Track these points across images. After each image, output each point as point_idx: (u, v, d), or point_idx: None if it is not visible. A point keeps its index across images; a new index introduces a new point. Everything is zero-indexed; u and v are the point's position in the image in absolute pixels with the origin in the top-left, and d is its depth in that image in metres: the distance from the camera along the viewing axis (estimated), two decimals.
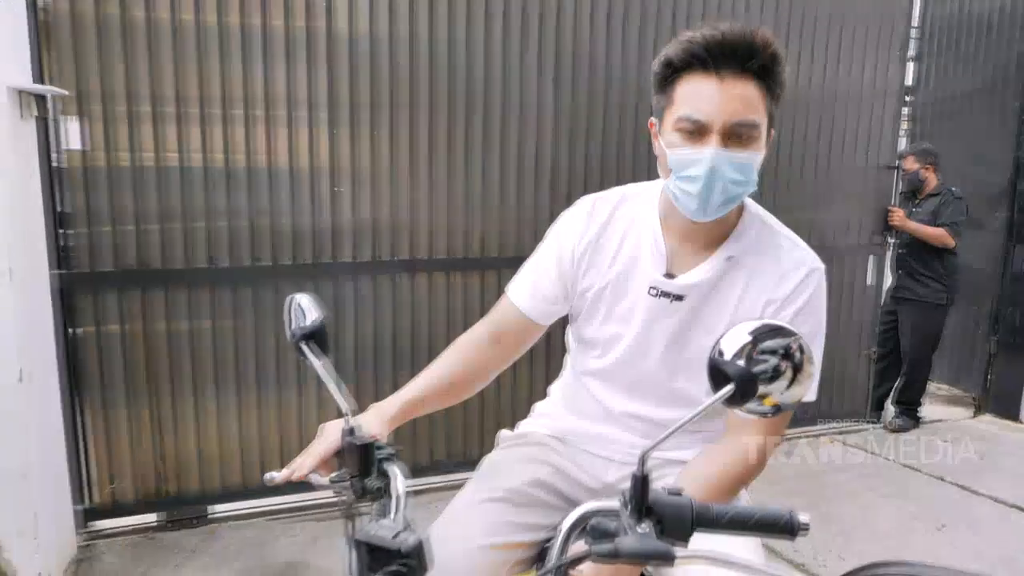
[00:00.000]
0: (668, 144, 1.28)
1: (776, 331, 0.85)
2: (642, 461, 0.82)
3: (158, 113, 3.04)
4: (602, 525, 0.83)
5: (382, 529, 0.82)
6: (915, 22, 4.70)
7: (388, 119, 3.38)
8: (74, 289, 3.02)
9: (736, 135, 1.23)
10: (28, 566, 2.61)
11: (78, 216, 2.99)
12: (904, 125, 4.90)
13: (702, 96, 1.22)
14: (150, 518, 3.30)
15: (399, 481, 1.05)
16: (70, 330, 3.04)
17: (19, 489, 2.56)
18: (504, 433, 1.62)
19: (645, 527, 0.80)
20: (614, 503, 0.86)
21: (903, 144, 5.06)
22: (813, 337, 1.35)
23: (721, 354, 0.85)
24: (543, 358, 3.54)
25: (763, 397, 0.84)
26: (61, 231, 2.98)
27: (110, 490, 3.20)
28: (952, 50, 5.51)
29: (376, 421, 1.28)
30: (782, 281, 1.34)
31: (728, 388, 0.84)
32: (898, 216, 4.53)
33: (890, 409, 4.86)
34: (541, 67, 3.60)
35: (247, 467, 3.38)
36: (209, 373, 3.27)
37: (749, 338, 0.84)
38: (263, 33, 3.14)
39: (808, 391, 0.88)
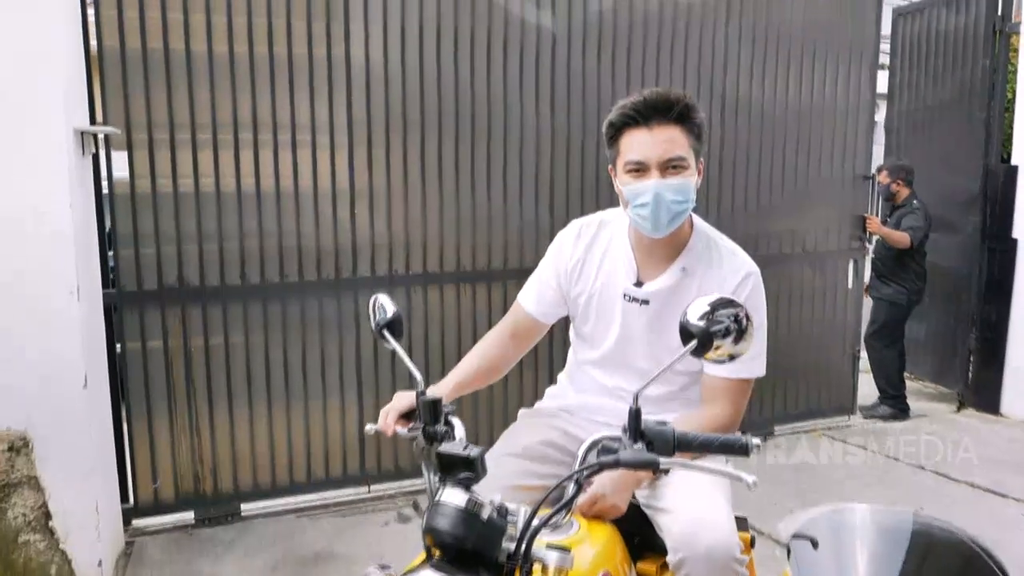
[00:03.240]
0: (622, 183, 1.67)
1: (728, 303, 1.20)
2: (635, 398, 1.14)
3: (196, 141, 3.35)
4: (608, 445, 1.17)
5: (454, 447, 1.14)
6: (886, 40, 5.03)
7: (401, 142, 3.70)
8: (122, 305, 3.33)
9: (670, 168, 1.62)
10: (89, 555, 2.90)
11: (124, 239, 3.31)
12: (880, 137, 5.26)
13: (640, 143, 1.62)
14: (188, 516, 3.57)
15: (459, 427, 1.40)
16: (117, 344, 3.35)
17: (84, 485, 2.85)
18: (523, 410, 1.99)
19: (639, 446, 1.12)
20: (618, 432, 1.18)
21: (880, 154, 5.42)
22: (760, 326, 1.70)
23: (687, 318, 1.19)
24: (547, 359, 3.84)
25: (718, 348, 1.17)
26: (111, 254, 3.31)
27: (152, 490, 3.49)
28: (922, 65, 5.86)
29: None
30: (724, 284, 1.70)
31: (693, 342, 1.18)
32: (873, 223, 4.91)
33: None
34: (538, 93, 3.93)
35: (277, 468, 3.67)
36: (241, 382, 3.56)
37: (708, 307, 1.19)
38: (288, 62, 3.45)
39: (749, 347, 1.21)
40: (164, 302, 3.39)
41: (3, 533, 2.77)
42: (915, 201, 5.13)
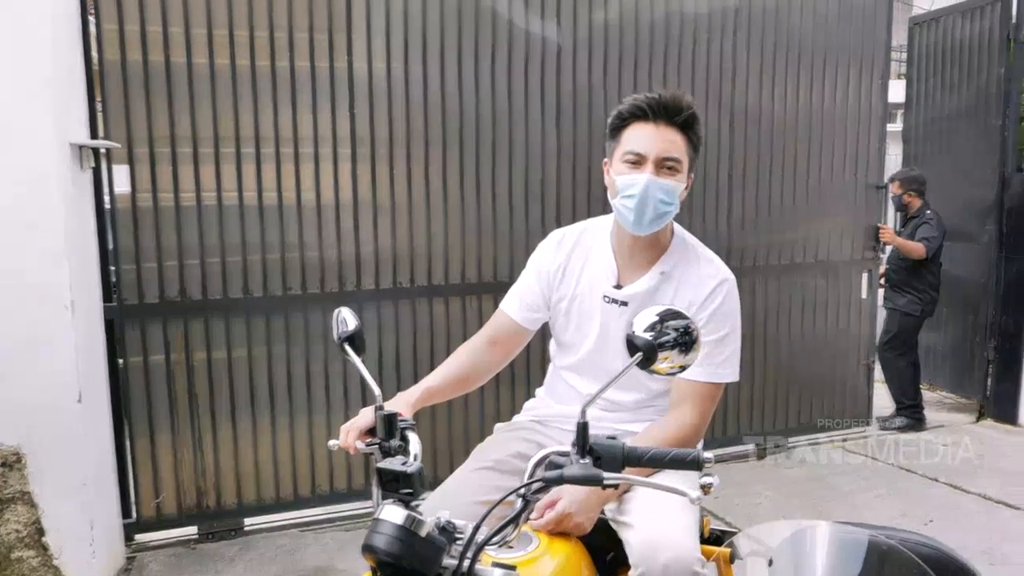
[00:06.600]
0: (616, 172, 1.70)
1: (676, 315, 1.17)
2: (583, 412, 1.11)
3: (198, 154, 3.36)
4: (556, 461, 1.14)
5: (393, 463, 1.12)
6: (901, 50, 4.96)
7: (405, 155, 3.68)
8: (123, 319, 3.34)
9: (665, 167, 1.66)
10: (85, 571, 2.89)
11: (126, 253, 3.32)
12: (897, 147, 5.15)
13: (643, 136, 1.67)
14: (191, 530, 3.56)
15: (414, 443, 1.36)
16: (119, 358, 3.35)
17: (78, 501, 2.85)
18: (499, 424, 1.97)
19: (587, 461, 1.09)
20: (567, 447, 1.15)
21: (896, 163, 5.33)
22: (732, 331, 1.75)
23: (633, 330, 1.16)
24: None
25: (666, 360, 1.15)
26: (113, 268, 3.32)
27: (154, 505, 3.48)
28: (938, 74, 5.77)
29: (401, 404, 1.64)
30: (699, 288, 1.74)
31: (638, 355, 1.15)
32: (887, 233, 4.85)
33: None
34: (543, 105, 3.91)
35: (280, 481, 3.65)
36: (244, 395, 3.55)
37: (656, 318, 1.17)
38: (291, 74, 3.46)
39: (697, 357, 1.18)
40: (166, 315, 3.39)
41: None
42: (928, 211, 5.08)
